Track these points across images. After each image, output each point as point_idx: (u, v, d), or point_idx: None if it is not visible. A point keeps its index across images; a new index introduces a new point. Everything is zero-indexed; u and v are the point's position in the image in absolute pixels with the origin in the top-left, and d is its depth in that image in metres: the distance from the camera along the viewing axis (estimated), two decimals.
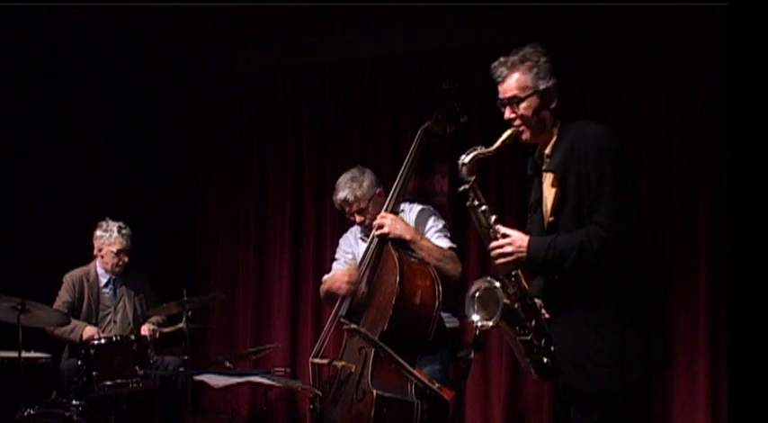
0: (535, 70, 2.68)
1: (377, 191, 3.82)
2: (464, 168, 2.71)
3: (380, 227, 3.64)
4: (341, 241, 4.07)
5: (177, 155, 6.21)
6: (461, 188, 2.72)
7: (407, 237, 3.62)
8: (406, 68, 5.52)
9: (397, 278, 3.46)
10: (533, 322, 2.64)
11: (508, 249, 2.64)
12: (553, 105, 2.70)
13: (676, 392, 4.59)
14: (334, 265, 4.00)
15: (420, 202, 3.94)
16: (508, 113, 2.72)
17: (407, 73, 5.50)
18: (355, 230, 3.98)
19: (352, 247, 3.97)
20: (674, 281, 4.61)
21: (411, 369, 3.27)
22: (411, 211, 3.82)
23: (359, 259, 3.82)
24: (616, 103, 4.89)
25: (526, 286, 2.68)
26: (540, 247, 2.60)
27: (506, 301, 2.57)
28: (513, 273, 2.66)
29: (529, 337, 2.62)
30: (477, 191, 2.72)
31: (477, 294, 2.63)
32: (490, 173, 5.06)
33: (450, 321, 3.78)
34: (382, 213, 3.69)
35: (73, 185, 5.46)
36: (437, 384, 3.30)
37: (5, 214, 5.04)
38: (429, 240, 3.66)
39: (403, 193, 3.78)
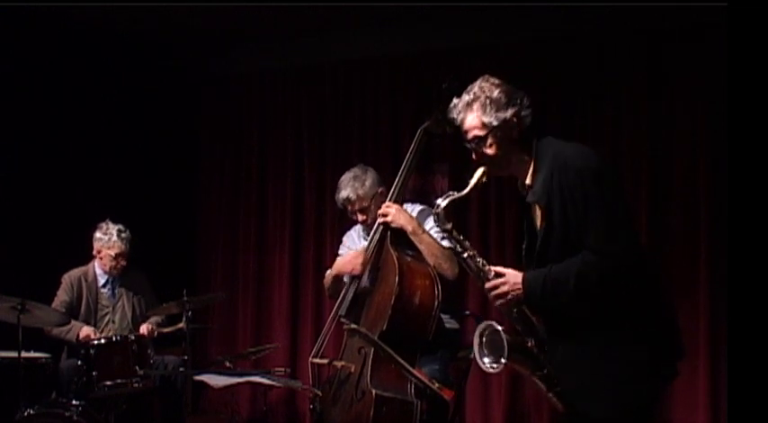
0: (488, 107, 2.57)
1: (379, 190, 3.82)
2: (439, 216, 2.67)
3: (384, 215, 3.64)
4: (344, 238, 4.08)
5: (177, 155, 6.21)
6: (442, 239, 2.66)
7: (409, 228, 3.62)
8: (406, 68, 5.52)
9: (397, 278, 3.46)
10: (545, 356, 2.57)
11: (504, 289, 2.58)
12: (516, 134, 2.59)
13: (676, 392, 4.59)
14: (337, 260, 3.99)
15: (421, 203, 3.94)
16: (475, 156, 2.64)
17: (407, 73, 5.50)
18: (359, 228, 3.99)
19: (355, 244, 3.97)
20: (674, 281, 4.61)
21: (411, 369, 3.27)
22: (412, 211, 3.82)
23: None
24: (616, 103, 4.89)
25: (533, 319, 2.62)
26: (535, 282, 2.53)
27: (509, 338, 2.50)
28: (515, 309, 2.61)
29: (545, 372, 2.57)
30: (457, 237, 2.68)
31: (483, 339, 2.57)
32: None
33: (450, 322, 3.77)
34: (387, 202, 3.69)
35: (73, 185, 5.45)
36: (437, 384, 3.29)
37: (6, 214, 5.04)
38: (430, 235, 3.66)
39: (402, 193, 3.78)
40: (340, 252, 4.04)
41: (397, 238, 3.65)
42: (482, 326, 2.58)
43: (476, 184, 2.65)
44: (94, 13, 5.27)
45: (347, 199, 3.80)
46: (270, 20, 5.49)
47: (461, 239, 2.69)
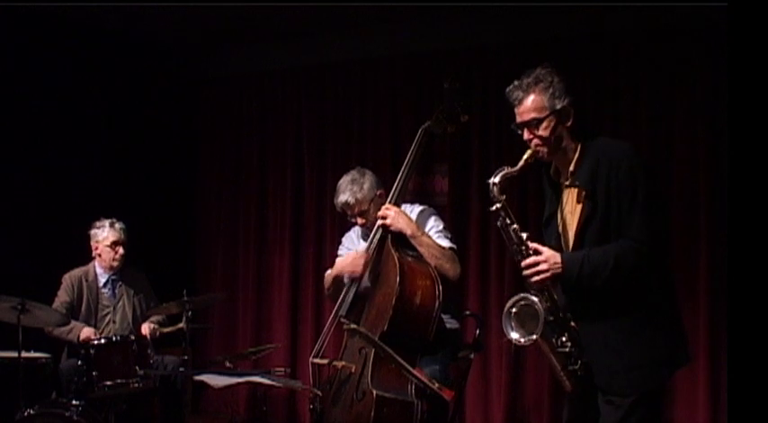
0: (550, 91, 2.72)
1: (377, 192, 3.81)
2: (495, 188, 2.77)
3: (384, 218, 3.64)
4: (343, 239, 4.07)
5: (177, 155, 6.21)
6: (493, 208, 2.78)
7: (408, 231, 3.61)
8: (406, 68, 5.52)
9: (398, 278, 3.45)
10: (567, 334, 2.73)
11: (543, 267, 2.68)
12: (569, 123, 2.74)
13: (676, 392, 4.59)
14: (337, 260, 3.99)
15: (421, 204, 3.94)
16: (527, 135, 2.76)
17: (407, 73, 5.50)
18: (358, 229, 3.98)
19: (354, 245, 3.96)
20: (674, 281, 4.61)
21: (411, 369, 3.27)
22: (412, 211, 3.81)
23: None
24: (616, 103, 4.89)
25: (556, 299, 2.74)
26: (574, 263, 2.64)
27: (545, 314, 2.65)
28: (546, 288, 2.73)
29: (567, 349, 2.71)
30: (507, 210, 2.78)
31: (513, 311, 2.71)
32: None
33: (451, 322, 3.77)
34: (386, 205, 3.69)
35: (73, 185, 5.46)
36: (437, 384, 3.29)
37: (5, 214, 5.04)
38: (430, 237, 3.66)
39: (403, 193, 3.77)
40: (339, 253, 4.03)
41: (397, 238, 3.64)
42: (516, 297, 2.72)
43: (526, 162, 2.78)
44: (94, 13, 5.28)
45: (346, 203, 3.78)
46: (270, 20, 5.49)
47: (510, 212, 2.78)
